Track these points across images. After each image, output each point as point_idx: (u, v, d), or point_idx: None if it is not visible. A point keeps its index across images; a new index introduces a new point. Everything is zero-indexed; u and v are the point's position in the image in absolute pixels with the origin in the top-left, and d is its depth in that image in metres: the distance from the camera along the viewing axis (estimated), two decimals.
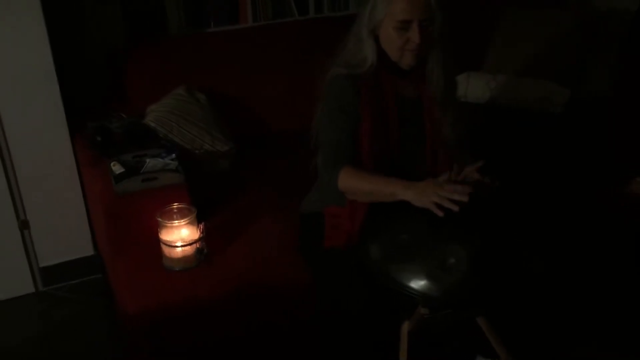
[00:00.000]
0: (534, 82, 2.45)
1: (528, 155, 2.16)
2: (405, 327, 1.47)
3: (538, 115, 2.40)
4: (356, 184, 1.57)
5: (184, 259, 1.70)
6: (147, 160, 1.85)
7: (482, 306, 1.47)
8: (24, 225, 2.21)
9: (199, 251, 1.72)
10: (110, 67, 2.31)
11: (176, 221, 1.70)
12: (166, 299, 1.63)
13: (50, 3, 2.05)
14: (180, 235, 1.71)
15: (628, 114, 2.36)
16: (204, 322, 1.63)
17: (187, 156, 2.02)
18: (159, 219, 1.70)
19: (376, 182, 1.54)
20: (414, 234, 1.43)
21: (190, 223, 1.71)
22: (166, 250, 1.71)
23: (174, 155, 1.88)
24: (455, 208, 1.37)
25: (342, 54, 1.66)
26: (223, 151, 2.11)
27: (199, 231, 1.72)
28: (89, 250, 2.33)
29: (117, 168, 1.81)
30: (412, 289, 1.35)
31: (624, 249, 1.98)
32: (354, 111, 1.62)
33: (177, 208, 1.74)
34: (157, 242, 1.72)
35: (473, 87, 2.47)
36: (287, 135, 2.37)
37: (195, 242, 1.71)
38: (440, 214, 1.39)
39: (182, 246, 1.69)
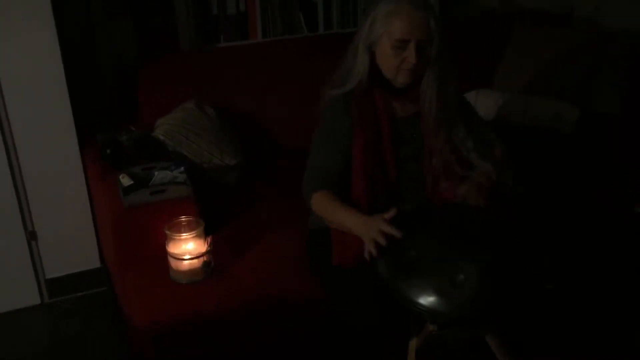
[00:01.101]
0: (543, 100, 2.45)
1: (538, 173, 2.15)
2: (413, 343, 1.46)
3: (548, 133, 2.40)
4: (323, 213, 1.62)
5: (191, 272, 1.70)
6: (156, 172, 1.85)
7: (491, 323, 1.46)
8: (31, 236, 2.22)
9: (206, 264, 1.71)
10: (122, 81, 2.33)
11: (184, 234, 1.70)
12: (173, 312, 1.62)
13: (63, 18, 2.08)
14: (187, 248, 1.70)
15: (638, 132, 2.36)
16: (211, 336, 1.62)
17: (196, 169, 2.02)
18: (167, 232, 1.70)
19: (337, 214, 1.58)
20: (424, 250, 1.42)
21: (197, 236, 1.71)
22: (173, 263, 1.70)
23: (182, 168, 1.88)
24: (384, 243, 1.42)
25: (339, 69, 1.66)
26: (232, 165, 2.12)
27: (206, 244, 1.72)
28: (95, 263, 2.33)
29: (125, 180, 1.82)
30: (421, 304, 1.34)
31: (636, 266, 1.97)
32: (344, 138, 1.63)
33: (184, 221, 1.74)
34: (165, 254, 1.71)
35: (481, 105, 2.46)
36: (296, 150, 2.37)
37: (202, 255, 1.70)
38: (372, 251, 1.43)
39: (189, 259, 1.69)
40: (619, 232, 2.02)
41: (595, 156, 2.28)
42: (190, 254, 1.70)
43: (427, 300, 1.33)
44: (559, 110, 2.41)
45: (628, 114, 2.47)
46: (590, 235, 1.98)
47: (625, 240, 2.01)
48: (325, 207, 1.61)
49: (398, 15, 1.54)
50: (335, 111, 1.65)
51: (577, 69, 2.53)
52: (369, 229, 1.47)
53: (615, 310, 1.96)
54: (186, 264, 1.69)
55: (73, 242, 2.27)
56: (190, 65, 2.38)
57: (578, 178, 2.19)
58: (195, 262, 1.70)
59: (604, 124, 2.42)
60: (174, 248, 1.70)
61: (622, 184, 2.16)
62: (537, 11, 2.92)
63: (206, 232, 1.73)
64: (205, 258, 1.71)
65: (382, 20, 1.56)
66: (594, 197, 2.11)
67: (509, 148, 1.78)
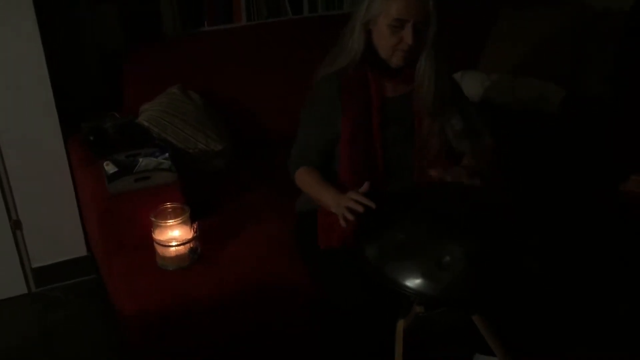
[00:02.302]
0: (528, 81, 2.45)
1: (524, 153, 2.16)
2: (401, 325, 1.47)
3: (533, 114, 2.40)
4: (304, 188, 1.71)
5: (178, 258, 1.69)
6: (141, 159, 1.84)
7: (478, 304, 1.46)
8: (16, 225, 2.19)
9: (192, 250, 1.71)
10: (106, 67, 2.30)
11: (169, 220, 1.70)
12: (161, 299, 1.62)
13: (45, 4, 2.04)
14: (173, 235, 1.70)
15: (626, 112, 2.37)
16: (200, 321, 1.62)
17: (181, 155, 2.00)
18: (153, 219, 1.69)
19: (315, 190, 1.65)
20: (411, 232, 1.42)
21: (183, 222, 1.70)
22: (160, 249, 1.70)
23: (167, 154, 1.87)
24: (360, 209, 1.47)
25: (335, 53, 1.65)
26: (217, 150, 2.10)
27: (192, 230, 1.71)
28: (81, 251, 2.31)
29: (110, 168, 1.80)
30: (408, 287, 1.34)
31: (621, 246, 1.99)
32: (332, 117, 1.64)
33: (170, 207, 1.73)
34: (151, 241, 1.71)
35: (467, 86, 2.46)
36: (283, 134, 2.36)
37: (188, 241, 1.70)
38: (343, 224, 1.49)
39: (175, 246, 1.68)
40: (605, 211, 2.04)
41: (580, 136, 2.29)
42: (176, 240, 1.69)
43: (413, 282, 1.33)
44: (544, 91, 2.41)
45: (614, 94, 2.48)
46: (576, 214, 1.99)
47: (611, 219, 2.02)
48: (306, 183, 1.69)
49: None
50: (326, 89, 1.65)
51: (563, 49, 2.53)
52: (340, 202, 1.52)
53: (601, 288, 1.97)
54: (173, 251, 1.68)
55: (58, 231, 2.25)
56: (174, 50, 2.35)
57: (563, 158, 2.20)
58: (182, 249, 1.69)
59: (589, 104, 2.43)
60: (160, 235, 1.69)
61: (607, 164, 2.17)
62: None
63: (192, 219, 1.72)
64: (191, 244, 1.70)
65: None
66: (579, 176, 2.11)
67: (494, 130, 1.78)
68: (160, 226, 1.69)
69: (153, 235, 1.69)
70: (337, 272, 1.59)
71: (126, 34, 2.33)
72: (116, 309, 1.80)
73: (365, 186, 1.53)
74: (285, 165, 2.14)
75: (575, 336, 1.90)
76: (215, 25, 2.48)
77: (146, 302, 1.62)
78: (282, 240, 1.81)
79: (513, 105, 2.44)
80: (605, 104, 2.46)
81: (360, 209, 1.48)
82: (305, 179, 1.69)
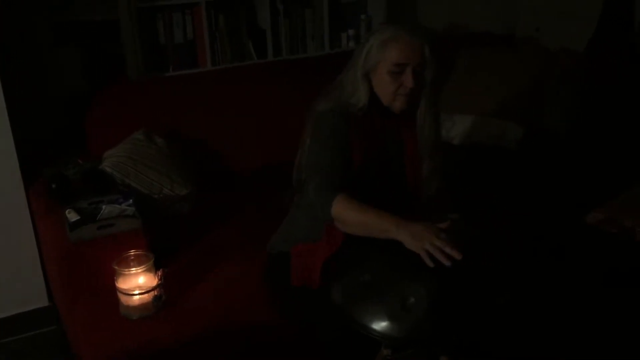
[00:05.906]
0: (488, 120, 2.51)
1: (485, 191, 2.20)
2: None
3: (493, 152, 2.45)
4: (350, 214, 1.51)
5: (142, 307, 1.66)
6: (104, 206, 1.82)
7: (444, 345, 1.46)
8: None
9: (157, 298, 1.68)
10: (69, 112, 2.29)
11: (133, 269, 1.67)
12: (124, 349, 1.58)
13: (7, 48, 2.03)
14: (137, 283, 1.67)
15: (586, 148, 2.43)
16: None
17: (146, 201, 1.99)
18: (115, 267, 1.66)
19: (371, 215, 1.48)
20: (376, 274, 1.42)
21: (147, 270, 1.67)
22: (123, 298, 1.66)
23: (131, 200, 1.85)
24: (447, 262, 1.35)
25: (335, 97, 1.66)
26: (182, 195, 2.09)
27: (157, 278, 1.68)
28: (43, 301, 2.25)
29: (72, 215, 1.77)
30: (374, 330, 1.33)
31: (584, 280, 2.01)
32: (345, 141, 1.61)
33: (134, 255, 1.70)
34: (114, 290, 1.67)
35: None
36: (248, 176, 2.37)
37: (153, 289, 1.67)
38: (430, 264, 1.36)
39: (139, 294, 1.65)
40: (570, 245, 2.07)
41: (540, 172, 2.34)
42: (140, 288, 1.66)
43: (379, 325, 1.33)
44: (504, 129, 2.47)
45: (571, 130, 2.55)
46: (541, 248, 2.02)
47: (577, 252, 2.05)
48: (353, 209, 1.51)
49: (395, 41, 1.57)
50: (335, 119, 1.62)
51: (521, 88, 2.61)
52: (422, 239, 1.39)
53: (570, 318, 1.98)
54: (136, 299, 1.65)
55: (19, 281, 2.19)
56: (138, 95, 2.35)
57: (524, 194, 2.24)
58: (146, 297, 1.66)
59: (547, 141, 2.49)
60: (123, 283, 1.66)
61: (569, 198, 2.21)
62: (481, 33, 3.00)
63: (157, 265, 1.70)
64: (156, 292, 1.67)
65: (379, 48, 1.58)
66: (541, 212, 2.15)
67: (455, 168, 1.82)
68: (124, 274, 1.66)
69: (116, 283, 1.66)
70: (310, 312, 1.58)
71: (89, 78, 2.33)
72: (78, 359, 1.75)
73: (449, 224, 1.44)
74: (251, 207, 2.15)
75: None
76: (180, 70, 2.50)
77: (109, 352, 1.58)
78: (248, 283, 1.79)
79: (473, 143, 2.49)
80: (564, 140, 2.52)
81: (446, 261, 1.36)
82: (353, 206, 1.51)
